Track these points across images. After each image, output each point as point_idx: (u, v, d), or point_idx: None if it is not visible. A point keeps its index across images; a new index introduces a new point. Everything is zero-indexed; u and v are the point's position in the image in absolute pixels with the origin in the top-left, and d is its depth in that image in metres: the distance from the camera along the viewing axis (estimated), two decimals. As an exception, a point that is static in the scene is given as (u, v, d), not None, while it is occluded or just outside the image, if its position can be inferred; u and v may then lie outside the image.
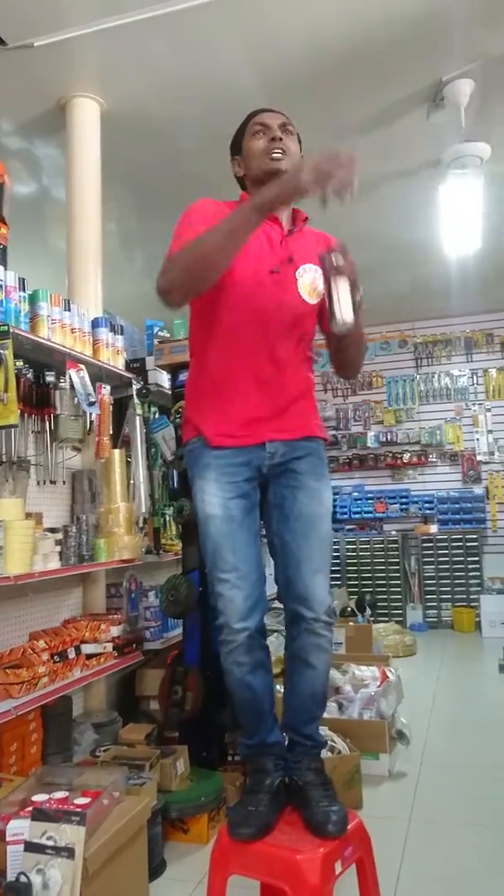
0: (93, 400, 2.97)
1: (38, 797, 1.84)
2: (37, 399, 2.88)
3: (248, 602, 1.72)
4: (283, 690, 1.82)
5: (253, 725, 1.78)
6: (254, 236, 1.73)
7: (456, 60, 3.50)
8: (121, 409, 3.49)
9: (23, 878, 1.59)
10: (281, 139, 1.84)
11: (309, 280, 1.82)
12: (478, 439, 7.33)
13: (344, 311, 1.66)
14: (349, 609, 5.98)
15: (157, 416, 3.65)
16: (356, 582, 7.17)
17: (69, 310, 2.95)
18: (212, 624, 2.87)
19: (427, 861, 2.34)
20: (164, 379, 3.52)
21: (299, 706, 1.76)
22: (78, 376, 2.92)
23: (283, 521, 1.78)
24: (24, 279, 2.69)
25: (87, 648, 2.78)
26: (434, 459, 7.50)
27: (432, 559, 7.16)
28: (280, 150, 1.82)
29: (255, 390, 1.79)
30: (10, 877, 1.63)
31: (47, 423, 2.91)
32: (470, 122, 3.74)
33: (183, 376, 3.16)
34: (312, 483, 1.79)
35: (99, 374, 3.15)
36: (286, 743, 1.80)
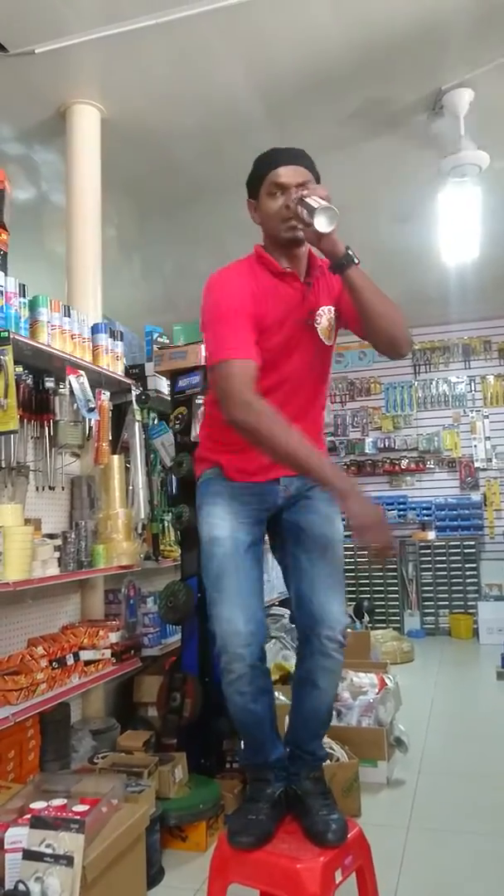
0: (92, 406, 2.97)
1: (37, 805, 1.83)
2: (36, 405, 2.89)
3: (250, 626, 1.68)
4: (290, 707, 1.82)
5: (256, 745, 1.77)
6: (278, 303, 1.73)
7: (455, 69, 3.52)
8: (120, 414, 3.48)
9: (21, 887, 1.58)
10: None
11: (325, 323, 1.81)
12: (475, 446, 7.34)
13: (320, 202, 1.62)
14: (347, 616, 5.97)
15: (156, 421, 3.66)
16: (354, 589, 7.16)
17: (69, 315, 2.96)
18: (210, 630, 2.89)
19: (426, 869, 2.33)
20: (164, 385, 3.52)
21: (303, 725, 1.77)
22: (77, 382, 2.92)
23: (298, 542, 1.79)
24: (24, 285, 2.70)
25: (86, 655, 2.77)
26: (432, 466, 7.50)
27: (430, 566, 7.16)
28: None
29: None
30: (9, 885, 1.62)
31: (47, 429, 2.91)
32: (469, 130, 3.76)
33: (182, 381, 3.16)
34: (325, 508, 1.79)
35: (98, 380, 3.16)
36: (288, 754, 1.79)
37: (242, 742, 1.85)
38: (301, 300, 1.77)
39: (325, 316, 1.80)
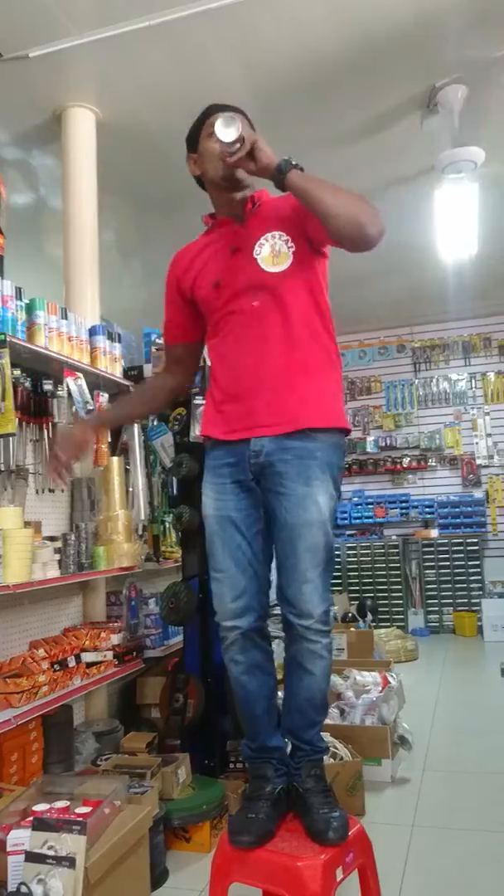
0: (91, 408, 2.97)
1: (39, 807, 1.83)
2: (35, 408, 2.89)
3: (238, 602, 1.73)
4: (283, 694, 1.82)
5: (249, 726, 1.78)
6: (204, 254, 1.86)
7: (448, 66, 3.52)
8: (119, 416, 3.48)
9: (24, 889, 1.58)
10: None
11: (268, 251, 1.77)
12: (477, 443, 7.33)
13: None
14: (350, 615, 5.96)
15: (155, 423, 3.65)
16: (357, 587, 7.16)
17: (66, 318, 2.96)
18: (213, 631, 2.89)
19: (431, 867, 2.33)
20: (162, 386, 3.52)
21: (297, 711, 1.76)
22: (75, 384, 2.92)
23: (273, 529, 1.75)
24: (20, 288, 2.70)
25: (88, 657, 2.77)
26: (434, 464, 7.49)
27: (433, 563, 7.16)
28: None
29: (237, 381, 1.77)
30: (11, 887, 1.62)
31: (45, 432, 2.92)
32: (464, 126, 3.76)
33: (181, 383, 3.15)
34: (299, 488, 1.68)
35: (97, 382, 3.16)
36: (288, 749, 1.79)
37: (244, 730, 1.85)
38: (231, 240, 1.81)
39: (267, 244, 1.78)
